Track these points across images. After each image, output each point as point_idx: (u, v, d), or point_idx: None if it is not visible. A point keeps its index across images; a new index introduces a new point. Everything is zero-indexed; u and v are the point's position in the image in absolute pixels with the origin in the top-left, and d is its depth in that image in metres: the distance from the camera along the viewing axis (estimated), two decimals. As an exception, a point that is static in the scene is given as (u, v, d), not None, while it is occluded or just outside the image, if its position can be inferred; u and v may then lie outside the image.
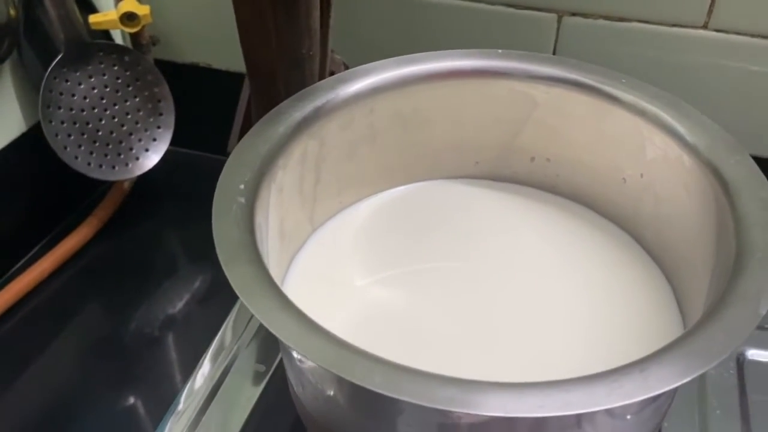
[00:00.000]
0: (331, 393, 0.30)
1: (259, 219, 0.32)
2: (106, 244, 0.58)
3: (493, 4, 0.51)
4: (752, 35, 0.48)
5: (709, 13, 0.48)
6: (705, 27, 0.49)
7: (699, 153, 0.33)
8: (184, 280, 0.56)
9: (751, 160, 0.32)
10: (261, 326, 0.49)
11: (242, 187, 0.32)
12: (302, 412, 0.35)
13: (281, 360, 0.46)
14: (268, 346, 0.47)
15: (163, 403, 0.44)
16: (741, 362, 0.45)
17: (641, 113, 0.36)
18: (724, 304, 0.26)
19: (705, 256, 0.32)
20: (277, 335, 0.26)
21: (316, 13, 0.46)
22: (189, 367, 0.47)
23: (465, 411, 0.23)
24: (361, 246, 0.41)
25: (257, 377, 0.45)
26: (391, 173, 0.43)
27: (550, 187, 0.43)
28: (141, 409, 0.46)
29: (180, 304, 0.53)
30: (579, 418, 0.26)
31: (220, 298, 0.52)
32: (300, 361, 0.31)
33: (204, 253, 0.58)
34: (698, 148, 0.33)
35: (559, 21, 0.51)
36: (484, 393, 0.23)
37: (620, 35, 0.50)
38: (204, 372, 0.46)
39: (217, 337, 0.48)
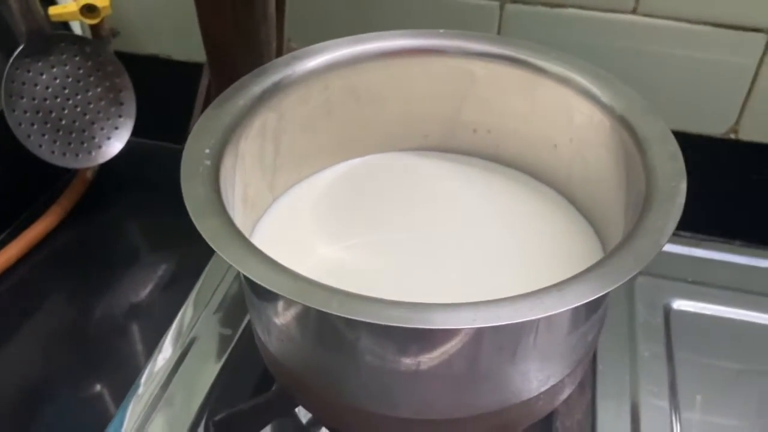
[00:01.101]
0: (295, 331, 0.33)
1: (223, 182, 0.35)
2: (70, 232, 0.59)
3: (438, -7, 0.55)
4: (677, 19, 0.53)
5: None
6: (634, 12, 0.53)
7: (617, 115, 0.37)
8: (147, 267, 0.57)
9: (660, 119, 0.37)
10: (224, 296, 0.51)
11: (207, 151, 0.35)
12: (269, 360, 0.38)
13: (247, 323, 0.48)
14: (234, 312, 0.50)
15: (127, 387, 0.46)
16: (667, 312, 0.50)
17: (568, 83, 0.40)
18: (633, 236, 0.30)
19: (622, 202, 0.36)
20: (246, 273, 0.29)
21: (273, 2, 0.49)
22: (151, 352, 0.48)
23: (410, 326, 0.26)
24: (319, 214, 0.44)
25: (224, 340, 0.47)
26: (347, 146, 0.47)
27: (492, 156, 0.47)
28: (106, 395, 0.47)
29: (143, 292, 0.55)
30: (520, 334, 0.30)
31: (182, 285, 0.53)
32: (265, 298, 0.33)
33: (166, 241, 0.60)
34: (616, 110, 0.38)
35: (501, 8, 0.55)
36: (427, 311, 0.27)
37: (558, 21, 0.54)
38: (166, 351, 0.48)
39: (177, 318, 0.50)
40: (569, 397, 0.42)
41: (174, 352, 0.47)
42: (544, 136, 0.43)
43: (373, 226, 0.44)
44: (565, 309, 0.27)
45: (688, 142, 0.58)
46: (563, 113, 0.41)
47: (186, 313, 0.51)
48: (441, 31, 0.44)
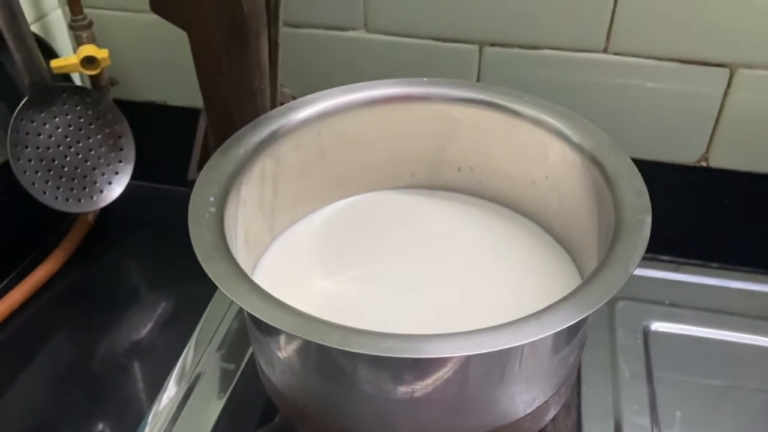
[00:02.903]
0: (297, 363, 0.35)
1: (227, 226, 0.38)
2: (73, 274, 0.61)
3: (421, 38, 0.58)
4: (646, 57, 0.56)
5: (608, 39, 0.56)
6: (605, 51, 0.57)
7: (587, 153, 0.41)
8: (148, 307, 0.59)
9: (626, 156, 0.40)
10: (226, 334, 0.53)
11: (212, 199, 0.38)
12: (272, 392, 0.40)
13: (250, 357, 0.50)
14: (236, 349, 0.52)
15: (132, 427, 0.47)
16: (646, 333, 0.53)
17: (541, 124, 0.44)
18: (603, 266, 0.33)
19: (595, 232, 0.39)
20: (252, 312, 0.31)
21: (265, 52, 0.52)
22: (155, 391, 0.49)
23: (403, 356, 0.29)
24: (315, 251, 0.47)
25: (227, 375, 0.49)
26: (340, 187, 0.50)
27: (475, 192, 0.50)
28: None
29: (144, 331, 0.56)
30: (505, 360, 0.33)
31: (183, 324, 0.55)
32: (269, 333, 0.36)
33: (166, 281, 0.62)
34: (586, 149, 0.41)
35: (480, 51, 0.58)
36: (418, 342, 0.30)
37: (534, 61, 0.58)
38: (171, 389, 0.50)
39: (181, 357, 0.52)
40: (555, 417, 0.45)
41: (179, 390, 0.49)
42: (523, 173, 0.47)
43: (366, 261, 0.47)
44: (543, 336, 0.30)
45: (662, 171, 0.63)
46: (539, 152, 0.45)
47: (189, 352, 0.53)
48: (425, 79, 0.47)
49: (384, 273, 0.46)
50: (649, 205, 0.36)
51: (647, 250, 0.59)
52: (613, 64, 0.57)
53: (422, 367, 0.32)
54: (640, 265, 0.57)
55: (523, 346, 0.33)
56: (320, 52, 0.62)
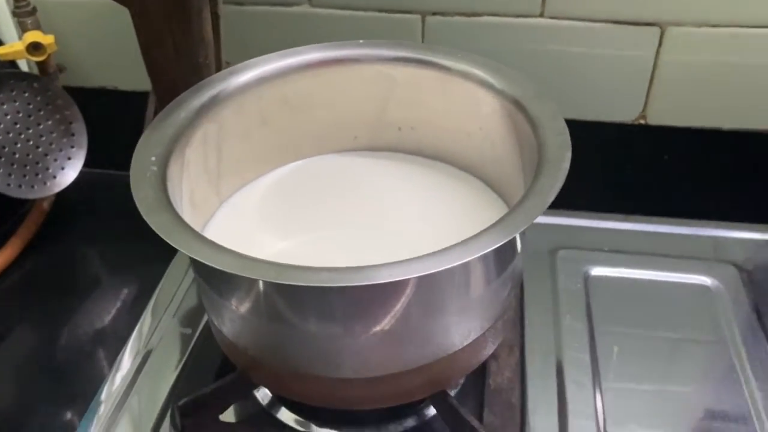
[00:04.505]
0: (243, 308, 0.37)
1: (170, 185, 0.39)
2: (31, 262, 0.61)
3: (366, 10, 0.60)
4: (580, 19, 0.59)
5: (543, 3, 0.58)
6: (541, 15, 0.59)
7: (513, 100, 0.43)
8: (108, 291, 0.59)
9: (551, 102, 0.42)
10: (182, 301, 0.55)
11: (153, 159, 0.39)
12: (223, 344, 0.42)
13: (206, 322, 0.52)
14: (192, 313, 0.53)
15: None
16: (587, 278, 0.55)
17: (471, 78, 0.46)
18: (525, 198, 0.35)
19: (522, 174, 0.42)
20: (194, 256, 0.33)
21: (209, 27, 0.53)
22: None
23: (334, 285, 0.31)
24: (263, 214, 0.49)
25: (185, 339, 0.51)
26: (284, 151, 0.51)
27: (417, 151, 0.52)
28: (74, 417, 0.48)
29: (106, 316, 0.57)
30: (437, 288, 0.35)
31: (142, 306, 0.56)
32: (214, 281, 0.37)
33: (124, 265, 0.63)
34: (513, 97, 0.43)
35: (423, 21, 0.60)
36: (349, 272, 0.32)
37: (475, 28, 0.60)
38: (128, 356, 0.51)
39: (137, 327, 0.53)
40: (498, 356, 0.47)
41: (136, 356, 0.50)
42: (459, 127, 0.49)
43: (313, 224, 0.48)
44: (468, 259, 0.32)
45: (603, 130, 0.66)
46: (472, 105, 0.47)
47: (145, 322, 0.54)
48: (361, 41, 0.49)
49: (331, 235, 0.47)
50: (569, 142, 0.39)
51: (591, 207, 0.63)
52: (549, 28, 0.59)
53: (358, 299, 0.34)
54: (582, 216, 0.61)
55: (453, 273, 0.35)
56: (266, 29, 0.63)
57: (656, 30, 0.59)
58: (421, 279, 0.33)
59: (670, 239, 0.59)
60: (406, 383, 0.39)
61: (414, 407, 0.45)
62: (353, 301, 0.35)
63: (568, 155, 0.38)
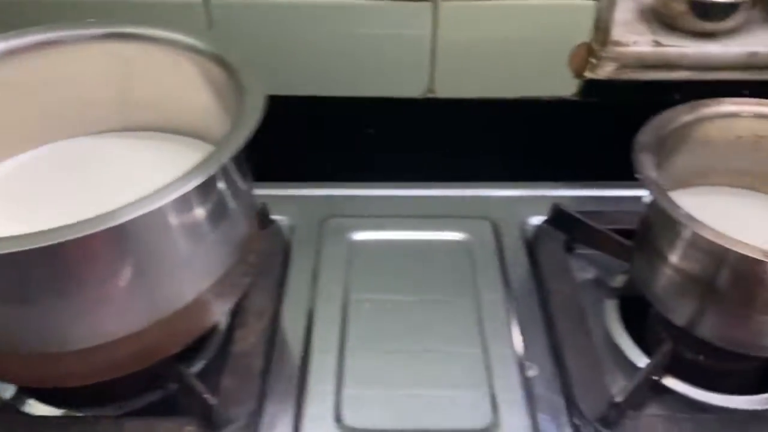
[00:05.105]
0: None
1: None
2: None
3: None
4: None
5: None
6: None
7: (223, 62, 0.45)
8: None
9: (252, 68, 0.44)
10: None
11: None
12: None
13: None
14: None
15: None
16: (351, 243, 0.57)
17: (201, 53, 0.46)
18: (223, 141, 0.38)
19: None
20: None
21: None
22: None
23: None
24: (4, 202, 0.47)
25: None
26: (25, 137, 0.49)
27: (160, 127, 0.52)
28: None
29: None
30: (139, 239, 0.36)
31: None
32: None
33: None
34: (236, 71, 0.44)
35: (206, 5, 0.59)
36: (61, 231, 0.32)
37: (259, 11, 0.60)
38: None
39: None
40: (247, 323, 0.48)
41: None
42: (185, 99, 0.49)
43: (55, 210, 0.47)
44: (158, 204, 0.33)
45: (394, 105, 0.68)
46: (192, 76, 0.47)
47: None
48: (92, 20, 0.49)
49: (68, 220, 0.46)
50: (264, 90, 0.41)
51: (387, 178, 0.65)
52: (328, 8, 0.60)
53: (49, 263, 0.34)
54: (346, 187, 0.63)
55: (148, 225, 0.36)
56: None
57: (429, 5, 0.62)
58: (112, 235, 0.34)
59: (433, 201, 0.62)
60: (120, 353, 0.38)
61: (158, 380, 0.45)
62: (43, 266, 0.34)
63: (261, 102, 0.40)
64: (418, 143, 0.69)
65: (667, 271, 0.44)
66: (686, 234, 0.42)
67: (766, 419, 0.44)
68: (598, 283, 0.55)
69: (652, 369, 0.46)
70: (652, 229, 0.46)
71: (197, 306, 0.41)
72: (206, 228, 0.39)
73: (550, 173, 0.67)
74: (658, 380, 0.47)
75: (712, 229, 0.40)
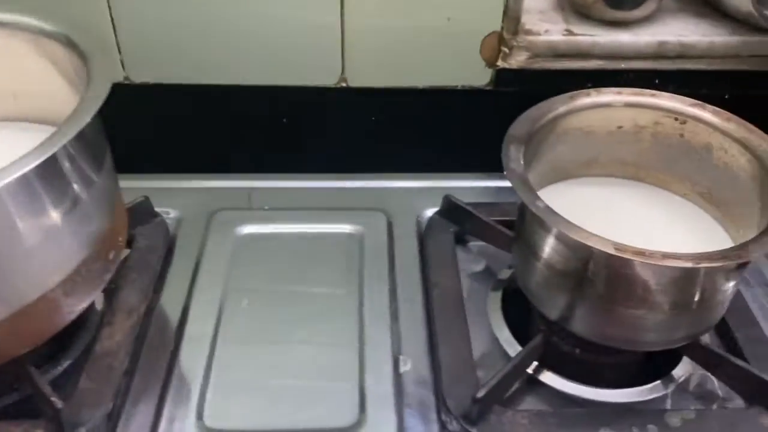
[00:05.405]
0: None
1: None
2: None
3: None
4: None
5: None
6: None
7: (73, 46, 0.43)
8: None
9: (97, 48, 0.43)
10: None
11: None
12: None
13: None
14: None
15: None
16: (237, 236, 0.56)
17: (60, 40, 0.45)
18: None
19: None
20: None
21: None
22: None
23: None
24: None
25: None
26: None
27: (16, 117, 0.50)
28: None
29: None
30: None
31: None
32: None
33: None
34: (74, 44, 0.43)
35: None
36: None
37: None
38: None
39: None
40: (114, 322, 0.46)
41: None
42: (42, 85, 0.47)
43: None
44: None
45: (307, 94, 0.67)
46: (47, 62, 0.46)
47: None
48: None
49: None
50: (110, 76, 0.40)
51: (300, 169, 0.63)
52: None
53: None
54: (239, 179, 0.61)
55: None
56: None
57: (335, -9, 0.60)
58: None
59: (327, 194, 0.61)
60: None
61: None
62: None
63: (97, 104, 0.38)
64: (319, 134, 0.68)
65: (538, 265, 0.44)
66: (547, 228, 0.42)
67: (634, 412, 0.44)
68: (487, 276, 0.54)
69: (518, 364, 0.45)
70: (524, 223, 0.45)
71: (44, 305, 0.39)
72: (49, 219, 0.37)
73: (455, 164, 0.67)
74: (534, 375, 0.47)
75: (568, 223, 0.39)
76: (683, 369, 0.48)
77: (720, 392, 0.46)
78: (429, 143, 0.68)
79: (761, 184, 0.43)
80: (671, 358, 0.48)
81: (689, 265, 0.36)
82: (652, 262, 0.36)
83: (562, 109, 0.48)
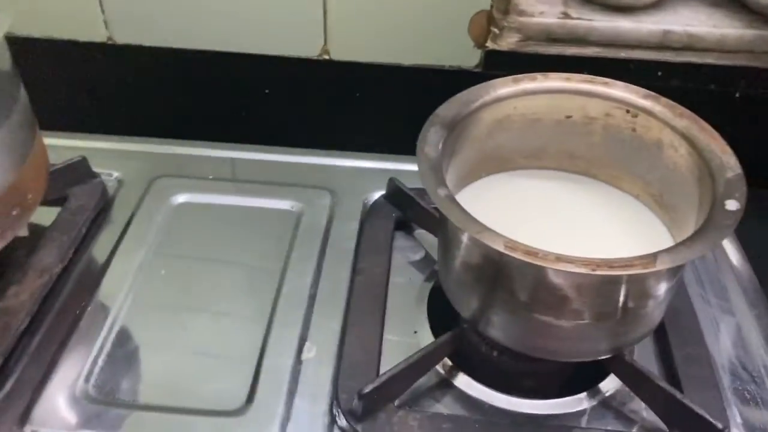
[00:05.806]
0: None
1: None
2: None
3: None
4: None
5: None
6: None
7: None
8: None
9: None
10: None
11: None
12: None
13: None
14: None
15: None
16: (174, 205, 0.54)
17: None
18: None
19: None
20: None
21: None
22: None
23: None
24: None
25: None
26: None
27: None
28: None
29: None
30: None
31: None
32: None
33: None
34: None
35: None
36: None
37: None
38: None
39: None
40: (24, 280, 0.46)
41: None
42: None
43: None
44: None
45: (287, 65, 0.65)
46: None
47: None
48: None
49: None
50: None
51: (276, 142, 0.62)
52: None
53: None
54: (186, 145, 0.60)
55: None
56: None
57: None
58: None
59: (275, 167, 0.58)
60: None
61: None
62: None
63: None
64: (300, 107, 0.66)
65: (449, 260, 0.41)
66: (446, 221, 0.38)
67: (536, 425, 0.41)
68: (425, 265, 0.51)
69: (414, 362, 0.41)
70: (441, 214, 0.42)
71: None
72: None
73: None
74: (447, 378, 0.43)
75: (465, 216, 0.35)
76: (612, 383, 0.43)
77: (645, 413, 0.42)
78: (413, 122, 0.65)
79: (700, 187, 0.38)
80: (601, 368, 0.44)
81: (583, 271, 0.32)
82: (542, 264, 0.32)
83: (503, 91, 0.44)
